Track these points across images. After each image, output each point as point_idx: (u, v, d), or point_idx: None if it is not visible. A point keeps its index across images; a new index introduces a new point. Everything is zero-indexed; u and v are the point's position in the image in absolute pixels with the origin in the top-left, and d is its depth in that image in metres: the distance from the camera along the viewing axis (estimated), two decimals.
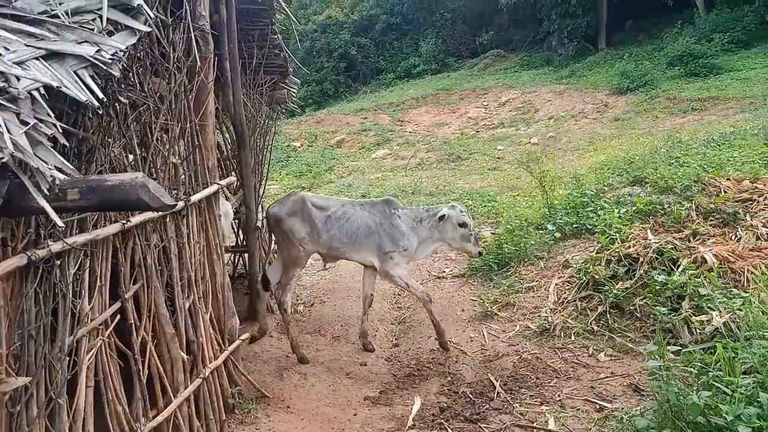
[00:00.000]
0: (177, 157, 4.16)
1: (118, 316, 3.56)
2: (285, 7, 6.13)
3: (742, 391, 3.55)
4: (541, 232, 8.00)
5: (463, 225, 6.08)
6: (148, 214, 3.65)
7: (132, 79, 3.50)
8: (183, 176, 4.25)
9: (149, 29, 2.83)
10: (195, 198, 4.32)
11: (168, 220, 4.01)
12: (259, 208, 6.68)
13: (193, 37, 4.29)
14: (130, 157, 3.72)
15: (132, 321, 3.66)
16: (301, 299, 7.64)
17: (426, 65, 32.54)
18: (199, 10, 4.42)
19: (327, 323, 6.87)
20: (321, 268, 8.66)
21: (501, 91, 25.13)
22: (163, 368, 3.96)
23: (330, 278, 8.34)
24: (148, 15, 2.79)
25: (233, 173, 6.92)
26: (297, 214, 5.99)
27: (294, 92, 7.71)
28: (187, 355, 4.21)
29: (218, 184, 4.75)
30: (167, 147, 3.97)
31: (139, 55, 3.55)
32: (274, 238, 6.34)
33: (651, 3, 26.28)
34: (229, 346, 4.91)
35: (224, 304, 4.92)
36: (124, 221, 3.42)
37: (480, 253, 6.36)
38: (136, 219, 3.56)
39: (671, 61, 21.74)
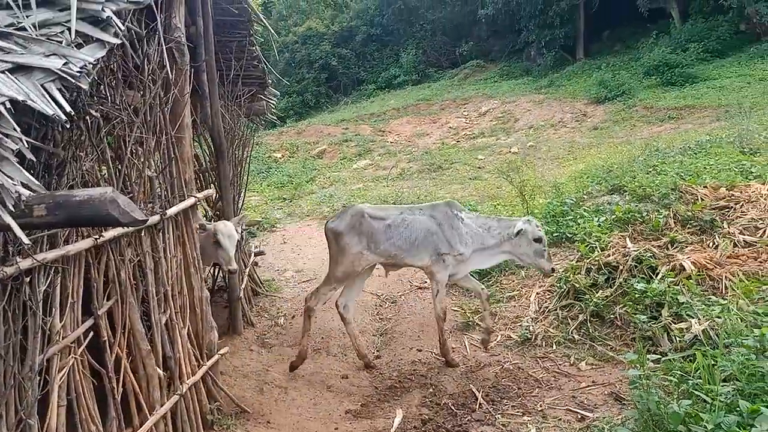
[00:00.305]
0: (152, 170, 4.10)
1: (92, 333, 3.48)
2: (263, 19, 6.11)
3: (722, 399, 3.56)
4: None
5: (538, 240, 5.80)
6: (122, 229, 3.59)
7: (103, 91, 3.44)
8: (159, 189, 4.19)
9: (119, 41, 2.78)
10: (171, 211, 4.27)
11: (143, 234, 3.95)
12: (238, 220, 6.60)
13: (167, 49, 4.25)
14: (104, 170, 3.66)
15: (105, 338, 3.59)
16: (282, 311, 7.57)
17: (407, 76, 32.64)
18: (174, 21, 4.38)
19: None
20: (302, 280, 8.61)
21: (481, 101, 25.26)
22: (138, 385, 3.88)
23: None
24: (118, 27, 2.75)
25: (212, 185, 6.85)
26: (356, 227, 5.83)
27: (273, 103, 7.68)
28: (163, 371, 4.13)
29: (195, 197, 4.70)
30: (142, 160, 3.91)
31: (111, 67, 3.49)
32: (330, 251, 6.10)
33: (627, 14, 26.63)
34: (208, 361, 4.84)
35: (202, 319, 4.86)
36: (97, 236, 3.35)
37: (553, 270, 5.96)
38: (110, 234, 3.49)
39: (648, 71, 22.01)
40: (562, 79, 25.59)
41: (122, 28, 2.79)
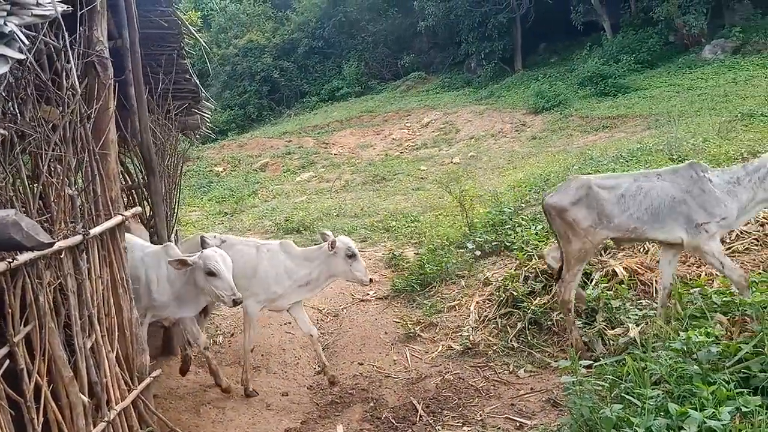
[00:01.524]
0: (74, 189, 3.93)
1: (8, 361, 3.30)
2: (193, 32, 5.99)
3: (652, 403, 3.63)
4: (462, 250, 8.08)
5: None
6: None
7: (13, 108, 3.28)
8: (81, 208, 4.03)
9: (23, 56, 2.66)
10: (95, 231, 4.10)
11: (64, 255, 3.78)
12: (172, 237, 6.43)
13: (89, 62, 4.11)
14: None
15: (23, 365, 3.40)
16: (220, 329, 7.40)
17: (349, 88, 32.68)
18: (95, 34, 4.24)
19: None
20: None
21: (423, 113, 25.49)
22: (61, 414, 3.69)
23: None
24: (23, 42, 2.62)
25: (145, 202, 6.66)
26: (582, 200, 5.14)
27: (208, 117, 7.53)
28: (89, 397, 3.95)
29: (122, 215, 4.54)
30: (61, 178, 3.75)
31: (23, 82, 3.34)
32: (554, 230, 5.52)
33: (562, 26, 27.42)
34: (139, 384, 4.66)
35: (133, 341, 4.67)
36: (11, 259, 3.18)
37: None
38: (25, 256, 3.32)
39: (582, 82, 22.66)
40: (502, 90, 26.08)
41: (26, 42, 2.67)
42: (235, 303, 5.01)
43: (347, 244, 5.71)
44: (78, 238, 3.85)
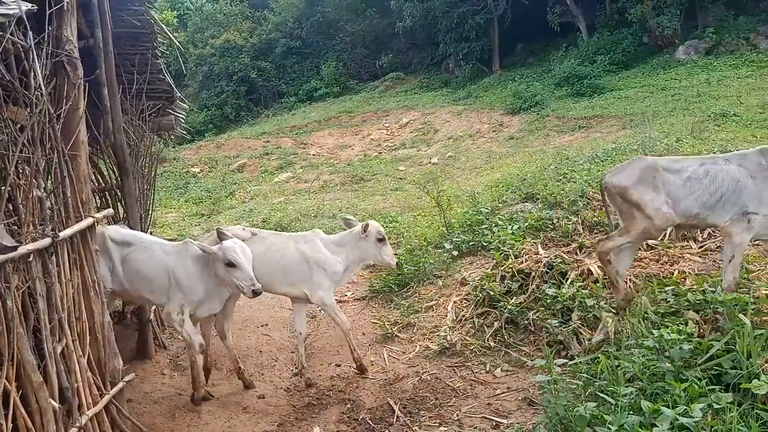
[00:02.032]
0: (42, 191, 3.86)
1: None
2: (167, 31, 5.92)
3: (625, 400, 3.66)
4: (440, 250, 8.09)
5: None
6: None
7: None
8: (51, 210, 3.96)
9: None
10: (65, 233, 4.04)
11: (33, 258, 3.71)
12: None
13: (58, 62, 4.04)
14: None
15: None
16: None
17: (328, 88, 32.64)
18: (65, 34, 4.17)
19: (223, 356, 6.58)
20: None
21: (402, 113, 25.54)
22: (31, 420, 3.63)
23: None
24: None
25: (119, 204, 6.57)
26: (647, 182, 4.93)
27: (182, 118, 7.45)
28: (60, 403, 3.89)
29: (93, 217, 4.47)
30: (29, 180, 3.68)
31: None
32: (616, 211, 5.30)
33: (539, 27, 27.65)
34: (112, 389, 4.59)
35: (105, 345, 4.60)
36: None
37: None
38: None
39: (559, 82, 22.88)
40: (480, 91, 26.23)
41: None
42: (255, 293, 5.00)
43: (378, 228, 5.92)
44: (47, 241, 3.78)
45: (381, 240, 5.89)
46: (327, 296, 5.86)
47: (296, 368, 6.33)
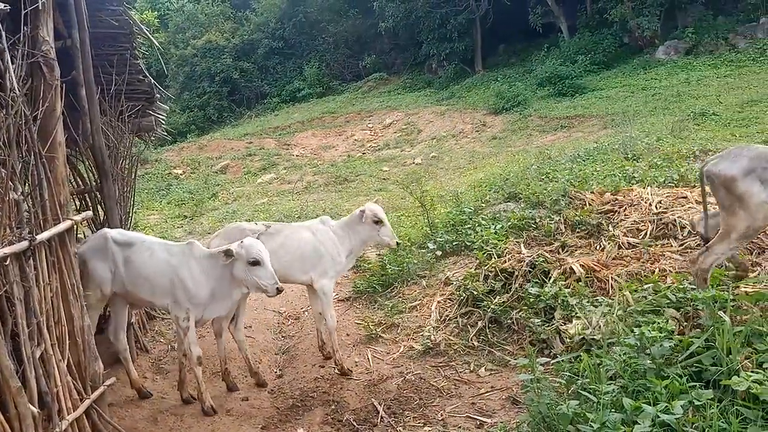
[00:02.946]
0: (19, 193, 3.81)
1: None
2: (145, 31, 5.87)
3: (607, 398, 3.68)
4: (423, 251, 8.09)
5: None
6: None
7: None
8: (27, 213, 3.90)
9: None
10: (43, 236, 3.98)
11: (10, 262, 3.65)
12: None
13: (34, 63, 3.98)
14: None
15: None
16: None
17: (311, 89, 32.57)
18: (41, 34, 4.11)
19: (206, 358, 6.54)
20: None
21: (385, 114, 25.54)
22: (9, 426, 3.57)
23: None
24: None
25: (98, 206, 6.50)
26: (755, 172, 4.46)
27: (162, 119, 7.38)
28: (39, 408, 3.83)
29: (72, 219, 4.41)
30: (5, 182, 3.62)
31: None
32: (717, 200, 4.81)
33: (520, 28, 27.83)
34: (92, 393, 4.54)
35: (85, 349, 4.55)
36: None
37: None
38: None
39: (541, 82, 23.02)
40: (463, 91, 26.32)
41: None
42: (278, 291, 4.96)
43: (374, 211, 6.02)
44: (24, 244, 3.73)
45: (378, 222, 6.01)
46: (329, 285, 6.01)
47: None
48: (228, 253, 4.97)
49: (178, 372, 5.69)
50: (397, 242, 6.20)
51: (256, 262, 4.92)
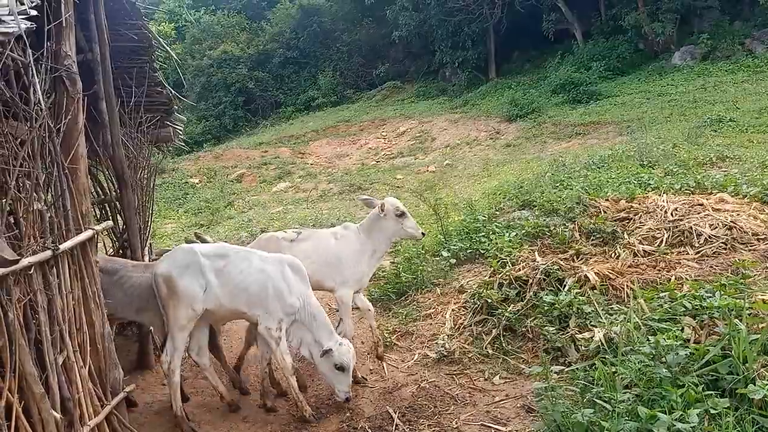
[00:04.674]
0: (43, 204, 3.90)
1: None
2: (164, 44, 5.98)
3: (622, 407, 3.69)
4: (437, 258, 8.12)
5: None
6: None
7: None
8: (51, 223, 3.99)
9: None
10: (66, 246, 4.07)
11: (34, 271, 3.74)
12: (145, 251, 6.39)
13: (57, 77, 4.09)
14: None
15: None
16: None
17: (325, 98, 32.79)
18: (63, 49, 4.21)
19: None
20: None
21: (399, 122, 25.63)
22: (33, 430, 3.65)
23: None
24: None
25: (118, 215, 6.61)
26: None
27: (180, 130, 7.50)
28: (61, 414, 3.91)
29: (93, 229, 4.50)
30: (30, 193, 3.72)
31: None
32: None
33: (534, 35, 27.81)
34: (112, 399, 4.61)
35: (105, 356, 4.63)
36: None
37: None
38: None
39: (555, 89, 23.00)
40: (476, 98, 26.35)
41: None
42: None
43: (395, 204, 6.06)
44: (47, 253, 3.81)
45: (401, 215, 6.03)
46: (348, 295, 6.05)
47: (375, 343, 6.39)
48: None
49: (260, 383, 5.68)
50: (422, 232, 6.20)
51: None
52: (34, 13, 3.41)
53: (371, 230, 6.10)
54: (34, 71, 3.71)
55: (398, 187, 17.17)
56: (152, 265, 5.54)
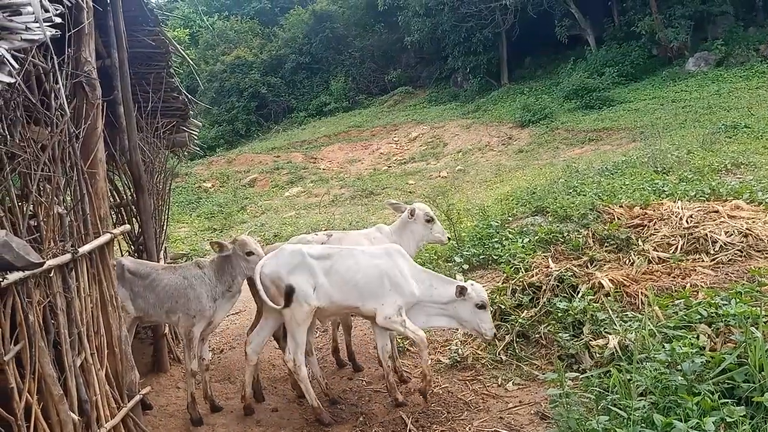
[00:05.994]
0: (63, 207, 3.96)
1: None
2: (180, 50, 6.04)
3: (638, 414, 3.67)
4: (450, 264, 8.12)
5: None
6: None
7: (2, 129, 3.32)
8: (70, 227, 4.04)
9: (13, 80, 2.69)
10: (84, 249, 4.12)
11: (54, 273, 3.79)
12: (161, 254, 6.44)
13: (77, 83, 4.15)
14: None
15: (14, 384, 3.41)
16: (210, 346, 7.37)
17: (337, 103, 32.91)
18: (83, 55, 4.28)
19: (237, 370, 6.65)
20: (231, 312, 8.42)
21: (411, 127, 25.68)
22: None
23: (240, 323, 8.12)
24: (12, 66, 2.65)
25: (134, 219, 6.67)
26: None
27: (195, 135, 7.57)
28: (79, 415, 3.95)
29: (111, 233, 4.55)
30: (50, 197, 3.77)
31: (12, 104, 3.37)
32: None
33: (547, 40, 27.79)
34: (129, 402, 4.66)
35: (122, 359, 4.68)
36: (0, 279, 3.20)
37: None
38: (15, 275, 3.33)
39: (568, 95, 22.96)
40: (489, 104, 26.35)
41: (16, 66, 2.70)
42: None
43: (425, 210, 6.22)
44: (67, 256, 3.86)
45: (429, 221, 6.14)
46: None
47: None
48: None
49: (386, 379, 5.57)
50: (448, 237, 6.33)
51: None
52: (58, 20, 3.46)
53: (401, 234, 6.20)
54: (56, 77, 3.76)
55: (410, 192, 17.20)
56: (181, 267, 5.61)
